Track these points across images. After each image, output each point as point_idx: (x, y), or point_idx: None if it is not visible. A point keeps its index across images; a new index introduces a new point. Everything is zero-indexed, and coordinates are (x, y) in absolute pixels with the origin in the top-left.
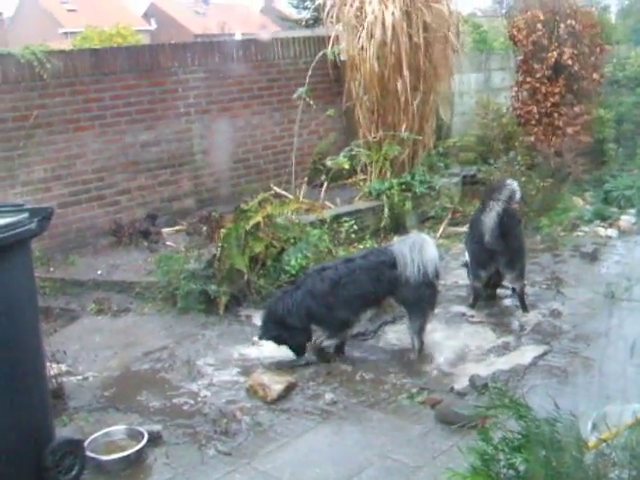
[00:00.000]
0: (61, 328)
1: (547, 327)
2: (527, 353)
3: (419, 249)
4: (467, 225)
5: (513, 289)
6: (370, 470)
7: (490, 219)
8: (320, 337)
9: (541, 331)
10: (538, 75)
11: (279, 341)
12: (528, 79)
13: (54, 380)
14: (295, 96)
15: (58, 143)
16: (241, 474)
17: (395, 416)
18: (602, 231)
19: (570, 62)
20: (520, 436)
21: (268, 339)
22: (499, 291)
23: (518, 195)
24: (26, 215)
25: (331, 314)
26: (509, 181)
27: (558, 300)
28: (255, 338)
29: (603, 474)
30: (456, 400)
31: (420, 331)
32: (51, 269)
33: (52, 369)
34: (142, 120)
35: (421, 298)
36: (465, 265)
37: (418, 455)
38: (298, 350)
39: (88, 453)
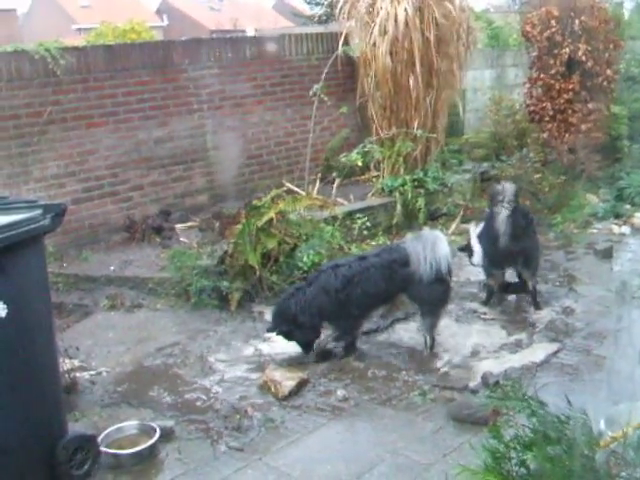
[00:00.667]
0: (74, 324)
1: (560, 325)
2: (539, 351)
3: (432, 246)
4: (481, 221)
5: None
6: (381, 467)
7: (501, 223)
8: (326, 338)
9: (553, 329)
10: (552, 71)
11: (289, 337)
12: (542, 75)
13: (67, 375)
14: (311, 93)
15: (71, 139)
16: (253, 470)
17: (407, 413)
18: (616, 228)
19: (584, 58)
20: (531, 434)
21: (278, 334)
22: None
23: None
24: (39, 211)
25: (343, 311)
26: (507, 184)
27: (571, 298)
28: (267, 334)
29: (615, 473)
30: (468, 397)
31: (432, 328)
32: (64, 265)
33: (65, 364)
34: (155, 116)
35: (434, 295)
36: (462, 249)
37: (429, 452)
38: (307, 347)
39: (101, 448)
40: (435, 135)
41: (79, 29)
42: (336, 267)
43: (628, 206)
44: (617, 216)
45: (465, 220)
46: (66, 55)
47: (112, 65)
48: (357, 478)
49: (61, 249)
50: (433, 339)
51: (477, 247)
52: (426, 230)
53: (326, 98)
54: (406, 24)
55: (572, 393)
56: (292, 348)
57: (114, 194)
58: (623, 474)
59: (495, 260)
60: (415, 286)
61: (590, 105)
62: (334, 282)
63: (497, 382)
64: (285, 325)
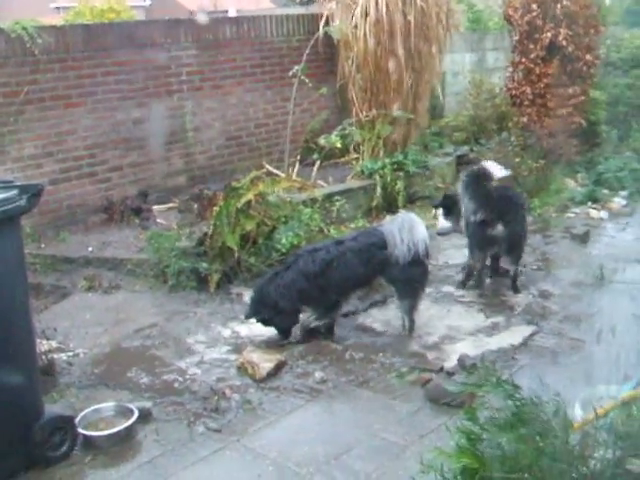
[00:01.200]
0: (52, 305)
1: (536, 308)
2: (516, 334)
3: (409, 229)
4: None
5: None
6: (358, 449)
7: (473, 202)
8: (310, 317)
9: (530, 312)
10: (532, 56)
11: (267, 322)
12: (523, 60)
13: (44, 357)
14: (291, 74)
15: (49, 119)
16: (230, 451)
17: (384, 395)
18: (593, 213)
19: (564, 43)
20: (506, 416)
21: (257, 320)
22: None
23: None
24: (16, 192)
25: (322, 295)
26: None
27: (548, 281)
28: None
29: (588, 454)
30: (445, 379)
31: (411, 310)
32: (42, 246)
33: (42, 346)
34: (134, 97)
35: (411, 278)
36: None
37: (406, 434)
38: (285, 333)
39: (78, 430)
40: (415, 118)
41: (57, 8)
42: (314, 251)
43: (606, 191)
44: (595, 201)
45: None
46: (44, 34)
47: (90, 45)
48: (334, 459)
49: (39, 230)
50: (411, 321)
51: (442, 219)
52: (403, 213)
53: (307, 80)
54: (387, 6)
55: (548, 376)
56: (270, 330)
57: (92, 175)
58: (596, 455)
59: (480, 242)
60: (392, 269)
61: (570, 90)
62: (313, 267)
63: (474, 364)
64: (264, 311)
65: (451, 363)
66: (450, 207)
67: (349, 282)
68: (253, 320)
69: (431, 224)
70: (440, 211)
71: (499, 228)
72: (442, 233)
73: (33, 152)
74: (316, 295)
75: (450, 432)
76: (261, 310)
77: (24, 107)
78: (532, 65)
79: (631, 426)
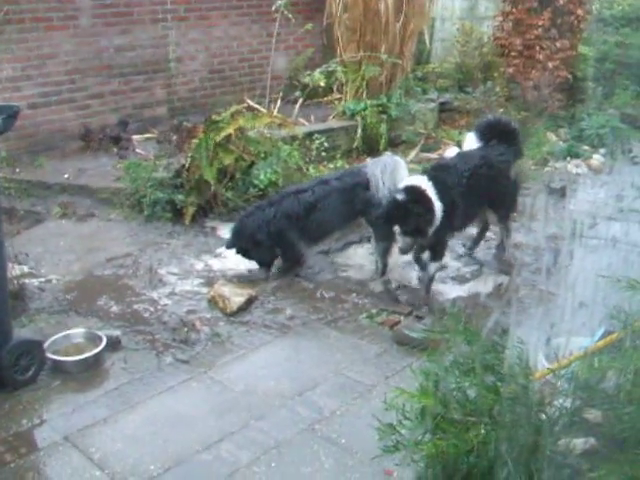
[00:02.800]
0: (25, 230)
1: (510, 259)
2: (488, 283)
3: (391, 171)
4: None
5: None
6: (324, 386)
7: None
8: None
9: (503, 262)
10: (523, 6)
11: (247, 255)
12: (514, 10)
13: (15, 281)
14: (274, 8)
15: (29, 42)
16: (197, 382)
17: (353, 335)
18: (573, 168)
19: None
20: (469, 361)
21: (237, 252)
22: None
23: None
24: None
25: (303, 236)
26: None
27: (522, 233)
28: (219, 249)
29: (547, 402)
30: (414, 323)
31: (385, 253)
32: (17, 170)
33: (14, 270)
34: (117, 23)
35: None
36: None
37: (372, 374)
38: (265, 265)
39: (47, 354)
40: (401, 61)
41: None
42: (298, 193)
43: (587, 147)
44: (575, 156)
45: (425, 149)
46: None
47: None
48: (299, 395)
49: (15, 154)
50: (385, 264)
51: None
52: (388, 155)
53: (290, 16)
54: None
55: (515, 325)
56: (243, 265)
57: (72, 101)
58: (555, 403)
59: None
60: (373, 210)
61: (558, 43)
62: (297, 209)
63: (443, 309)
64: (244, 243)
65: (421, 307)
66: None
67: (331, 223)
68: (226, 253)
69: (412, 168)
70: None
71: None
72: None
73: (12, 74)
74: (296, 236)
75: (415, 374)
76: (241, 241)
77: (3, 27)
78: (522, 16)
79: (591, 377)
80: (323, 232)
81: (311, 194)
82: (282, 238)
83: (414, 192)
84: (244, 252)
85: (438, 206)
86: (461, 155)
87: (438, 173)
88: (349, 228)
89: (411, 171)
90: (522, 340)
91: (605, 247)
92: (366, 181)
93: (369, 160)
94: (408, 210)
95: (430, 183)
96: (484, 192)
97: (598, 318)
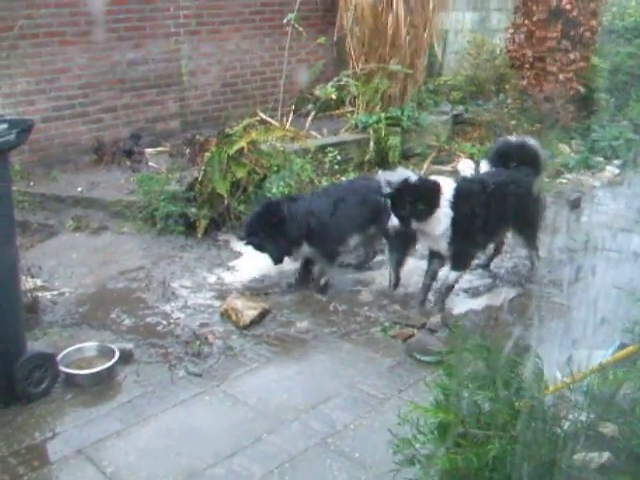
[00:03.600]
0: (38, 243)
1: (522, 271)
2: (500, 295)
3: None
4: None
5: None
6: (337, 399)
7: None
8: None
9: (516, 274)
10: (535, 18)
11: (261, 247)
12: (526, 22)
13: (29, 294)
14: (285, 21)
15: (43, 56)
16: (210, 396)
17: (366, 348)
18: (586, 180)
19: (569, 7)
20: (484, 375)
21: (250, 242)
22: None
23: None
24: (5, 126)
25: (327, 235)
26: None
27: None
28: (232, 262)
29: (562, 416)
30: (427, 336)
31: (397, 266)
32: (31, 184)
33: (27, 283)
34: (130, 37)
35: (400, 233)
36: None
37: (385, 387)
38: (278, 258)
39: (60, 368)
40: (413, 73)
41: None
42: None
43: (600, 159)
44: (588, 168)
45: (437, 161)
46: None
47: None
48: (312, 408)
49: (29, 168)
50: (398, 277)
51: None
52: (400, 169)
53: (301, 28)
54: None
55: (529, 338)
56: (255, 278)
57: (85, 115)
58: (570, 417)
59: None
60: (384, 220)
61: (571, 55)
62: (321, 203)
63: (457, 323)
64: (262, 232)
65: (435, 320)
66: None
67: (350, 223)
68: (239, 266)
69: None
70: None
71: None
72: None
73: (26, 88)
74: (323, 232)
75: (429, 388)
76: (258, 231)
77: (17, 42)
78: (534, 28)
79: (606, 390)
80: (344, 231)
81: (332, 190)
82: (316, 234)
83: (429, 183)
84: (259, 243)
85: (445, 211)
86: (489, 172)
87: (465, 183)
88: (364, 235)
89: None
90: (537, 354)
91: (621, 260)
92: (379, 186)
93: (380, 172)
94: (410, 194)
95: (452, 186)
96: (509, 209)
97: (613, 331)
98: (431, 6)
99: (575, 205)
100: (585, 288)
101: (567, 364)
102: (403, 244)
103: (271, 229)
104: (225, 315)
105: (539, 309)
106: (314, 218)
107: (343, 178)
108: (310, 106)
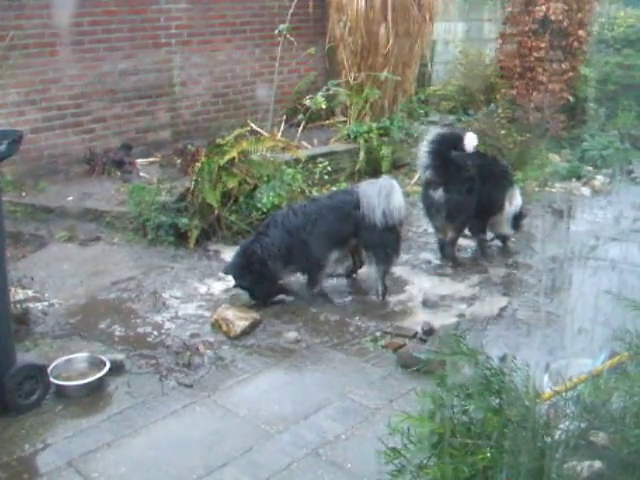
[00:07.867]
0: (29, 254)
1: (513, 280)
2: (491, 304)
3: (386, 195)
4: None
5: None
6: (328, 409)
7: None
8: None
9: (507, 283)
10: (525, 28)
11: (249, 290)
12: (514, 32)
13: (19, 305)
14: (276, 32)
15: (34, 67)
16: (200, 406)
17: (357, 358)
18: (576, 189)
19: (560, 17)
20: (474, 384)
21: (238, 284)
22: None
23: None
24: None
25: (307, 250)
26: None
27: (526, 254)
28: (221, 273)
29: (554, 425)
30: (418, 345)
31: (384, 276)
32: (23, 194)
33: (18, 294)
34: (121, 48)
35: (385, 243)
36: None
37: (377, 397)
38: (266, 301)
39: (50, 379)
40: (403, 84)
41: None
42: (292, 208)
43: (590, 168)
44: (578, 177)
45: None
46: None
47: None
48: (304, 419)
49: (20, 178)
50: (385, 287)
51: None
52: (384, 178)
53: (293, 39)
54: None
55: (520, 347)
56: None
57: (76, 125)
58: (561, 426)
59: (425, 211)
60: (366, 232)
61: (560, 65)
62: (295, 219)
63: (447, 332)
64: (248, 274)
65: (425, 330)
66: None
67: (327, 238)
68: (230, 277)
69: (414, 190)
70: None
71: (439, 193)
72: None
73: (16, 99)
74: (302, 251)
75: (419, 397)
76: (245, 274)
77: (8, 53)
78: (524, 38)
79: (597, 399)
80: (322, 246)
81: (305, 207)
82: (290, 255)
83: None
84: (248, 286)
85: None
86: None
87: None
88: (344, 249)
89: (413, 194)
90: (528, 363)
91: (607, 269)
92: (357, 200)
93: (364, 181)
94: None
95: None
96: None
97: (602, 340)
98: (427, 17)
99: (564, 214)
100: (574, 297)
101: (557, 373)
102: (386, 255)
103: (253, 274)
104: (216, 325)
105: (529, 318)
106: (292, 238)
107: (334, 188)
108: (300, 116)
